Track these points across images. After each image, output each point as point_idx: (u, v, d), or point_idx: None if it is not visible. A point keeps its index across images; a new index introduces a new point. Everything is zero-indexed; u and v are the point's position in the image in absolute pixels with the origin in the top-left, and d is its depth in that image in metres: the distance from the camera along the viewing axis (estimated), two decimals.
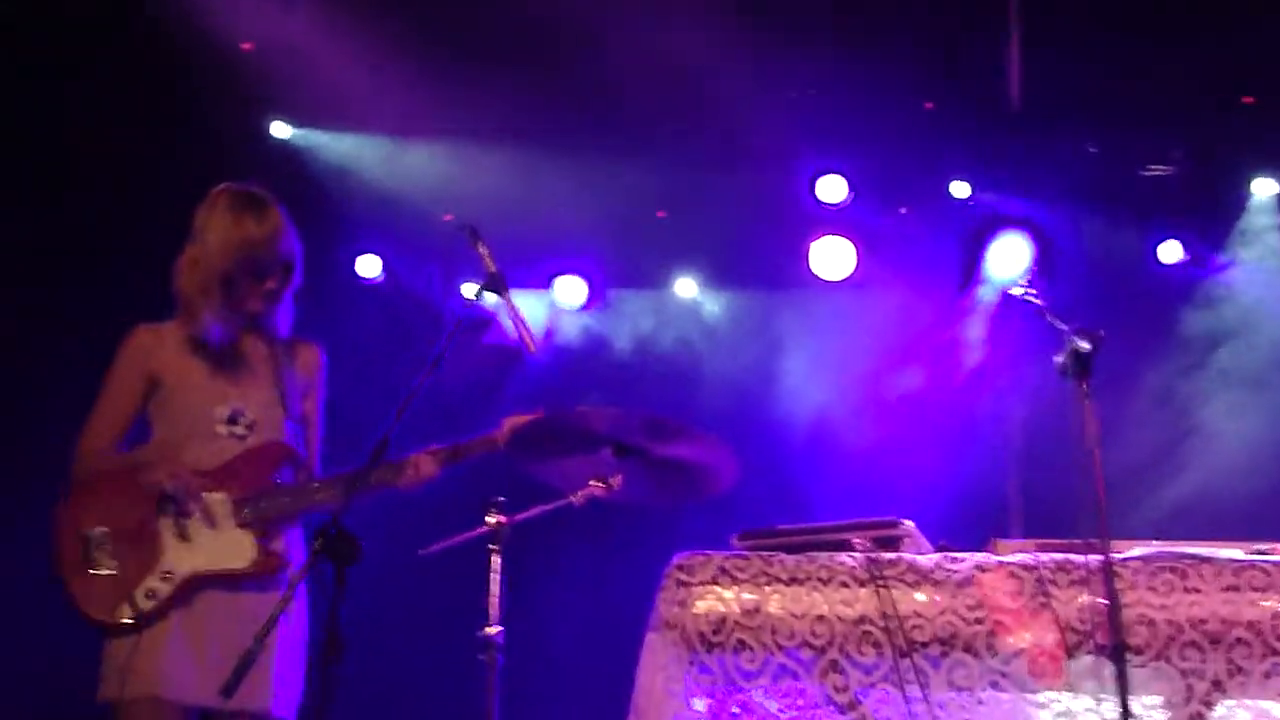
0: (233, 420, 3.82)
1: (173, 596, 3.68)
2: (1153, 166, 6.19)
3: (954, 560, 3.58)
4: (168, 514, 3.73)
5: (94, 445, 3.82)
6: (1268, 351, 6.01)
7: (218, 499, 3.75)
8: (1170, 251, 6.24)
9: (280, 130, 6.45)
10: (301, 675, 3.82)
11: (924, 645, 3.50)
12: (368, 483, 3.66)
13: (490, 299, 3.63)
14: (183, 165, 5.80)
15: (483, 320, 5.96)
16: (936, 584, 3.54)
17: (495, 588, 3.62)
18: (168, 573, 3.68)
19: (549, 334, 6.43)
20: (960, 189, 6.24)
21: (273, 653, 3.70)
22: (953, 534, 3.74)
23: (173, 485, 3.70)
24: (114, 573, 3.67)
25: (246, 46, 6.14)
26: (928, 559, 3.60)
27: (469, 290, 3.58)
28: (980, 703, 3.51)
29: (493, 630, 3.59)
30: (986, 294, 6.13)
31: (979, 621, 3.51)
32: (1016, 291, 3.73)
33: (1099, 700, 3.41)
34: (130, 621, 3.64)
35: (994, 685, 3.51)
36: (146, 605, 3.65)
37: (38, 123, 5.68)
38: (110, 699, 3.68)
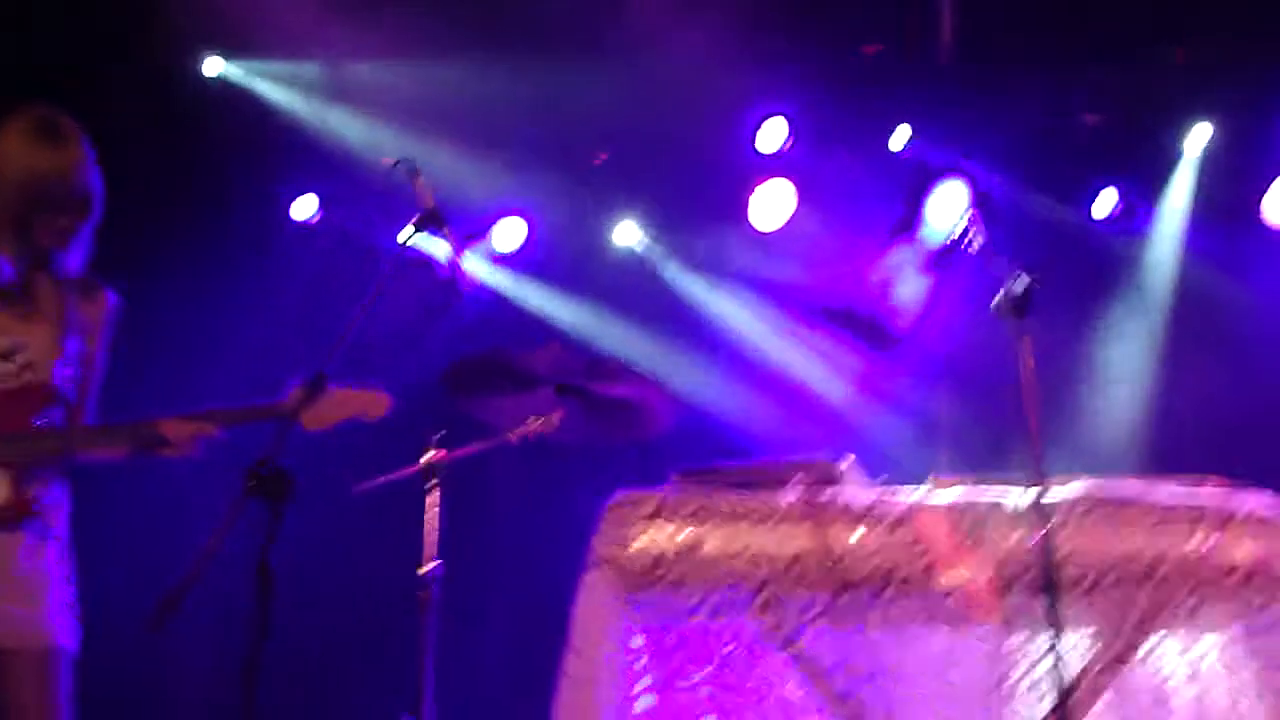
0: (7, 356, 3.63)
1: None
2: (1088, 114, 6.22)
3: (891, 495, 3.60)
4: None
5: None
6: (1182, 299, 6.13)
7: None
8: (1105, 201, 6.29)
9: (213, 67, 6.32)
10: (69, 609, 3.67)
11: (860, 582, 3.52)
12: (139, 438, 3.58)
13: (427, 236, 3.57)
14: (113, 104, 5.70)
15: (419, 259, 5.90)
16: (874, 521, 3.55)
17: (433, 524, 3.60)
18: None
19: (488, 275, 6.39)
20: (900, 136, 6.25)
21: (46, 586, 3.58)
22: (892, 472, 3.77)
23: None
24: None
25: None
26: (865, 496, 3.61)
27: (406, 230, 3.50)
28: (915, 638, 3.54)
29: (430, 566, 3.57)
30: (926, 238, 6.17)
31: (915, 559, 3.53)
32: (955, 234, 3.74)
33: (1032, 637, 3.45)
34: None
35: (930, 621, 3.54)
36: None
37: None
38: None
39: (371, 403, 3.62)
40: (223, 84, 6.32)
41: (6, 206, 3.57)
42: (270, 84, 6.34)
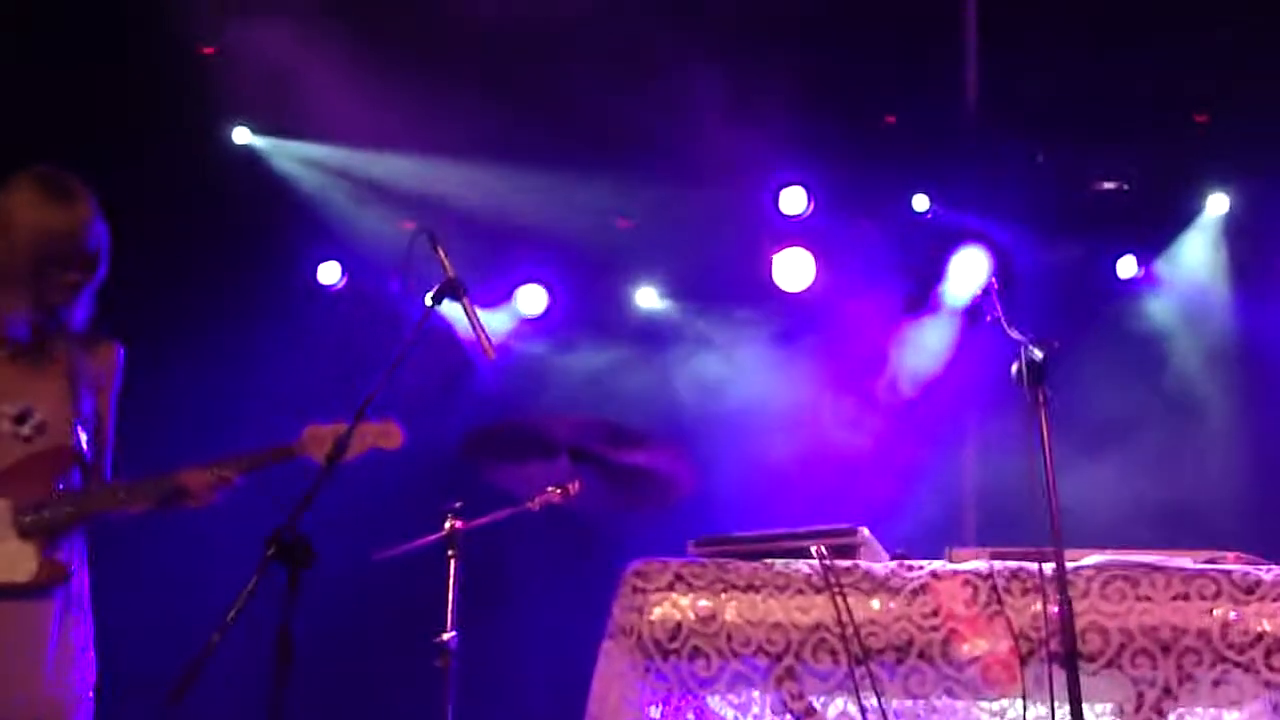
0: (20, 420, 3.61)
1: None
2: (1108, 181, 6.25)
3: (909, 568, 3.59)
4: None
5: None
6: (1202, 361, 6.11)
7: (0, 507, 3.57)
8: (1127, 267, 6.31)
9: (242, 136, 6.41)
10: (90, 685, 3.65)
11: (879, 652, 3.51)
12: (159, 493, 3.59)
13: (449, 304, 3.60)
14: (143, 169, 5.79)
15: (441, 326, 5.94)
16: (892, 591, 3.55)
17: (451, 593, 3.60)
18: None
19: (509, 341, 6.43)
20: (920, 202, 6.29)
21: (45, 666, 3.54)
22: (909, 543, 3.76)
23: None
24: None
25: (208, 51, 6.11)
26: (883, 566, 3.61)
27: (428, 296, 3.53)
28: (935, 710, 3.53)
29: (448, 636, 3.58)
30: (944, 305, 6.18)
31: (934, 629, 3.52)
32: (973, 302, 3.76)
33: (1052, 708, 3.42)
34: None
35: (948, 692, 3.52)
36: None
37: None
38: None
39: (386, 434, 3.63)
40: (250, 152, 6.41)
41: (17, 265, 3.57)
42: (296, 154, 6.43)
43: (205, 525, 5.36)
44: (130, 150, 5.84)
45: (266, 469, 3.68)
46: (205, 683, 3.00)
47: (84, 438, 3.68)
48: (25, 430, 3.60)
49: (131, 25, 5.76)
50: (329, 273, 6.50)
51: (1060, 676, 3.31)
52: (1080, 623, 3.40)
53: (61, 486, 3.64)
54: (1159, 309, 6.29)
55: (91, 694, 3.66)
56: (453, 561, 3.63)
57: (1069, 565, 3.43)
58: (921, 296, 6.21)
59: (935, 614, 3.52)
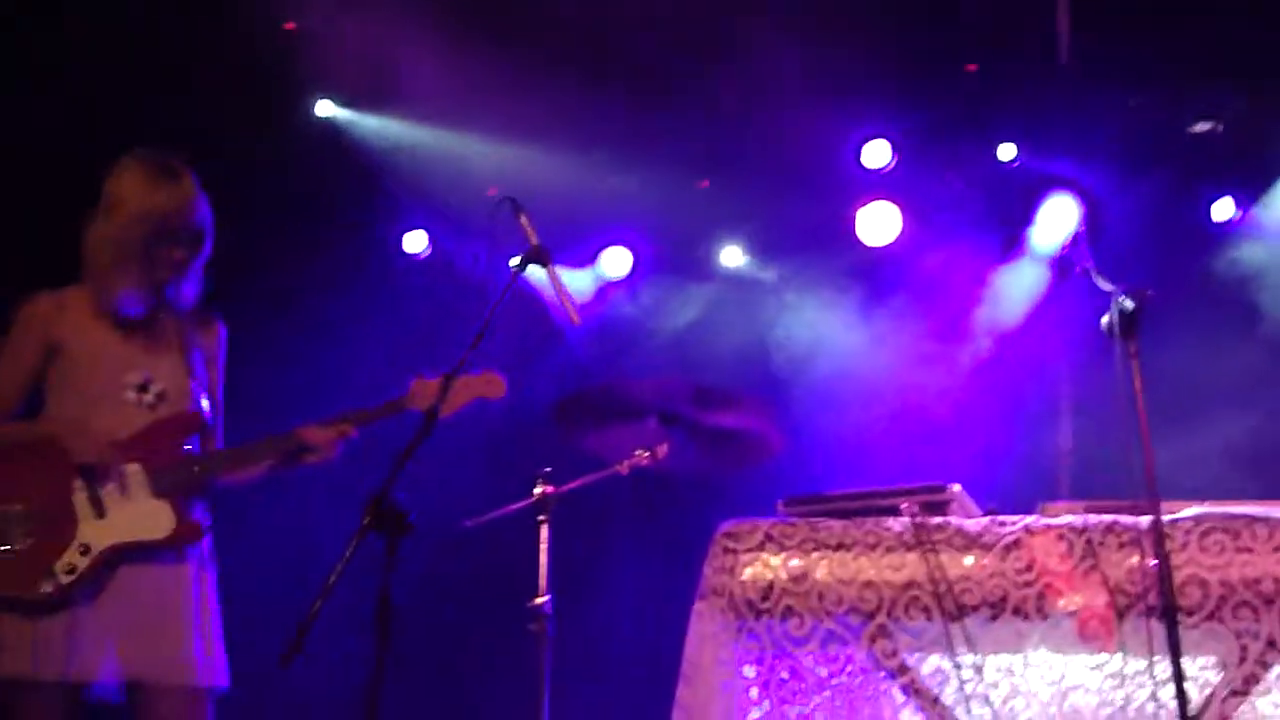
0: (142, 388, 3.77)
1: (90, 570, 3.62)
2: (1203, 122, 6.09)
3: (1002, 524, 3.56)
4: (83, 487, 3.68)
5: None
6: None
7: (133, 469, 3.70)
8: (1223, 209, 6.15)
9: (325, 109, 6.48)
10: (223, 642, 3.79)
11: (973, 609, 3.49)
12: (282, 450, 3.73)
13: (533, 271, 3.62)
14: (230, 146, 5.87)
15: (526, 294, 5.98)
16: (985, 547, 3.53)
17: (544, 558, 3.64)
18: (85, 546, 3.63)
19: (594, 306, 6.45)
20: (1006, 151, 6.18)
21: (189, 623, 3.69)
22: (1001, 498, 3.73)
23: (89, 457, 3.65)
24: (29, 548, 3.61)
25: (289, 26, 6.17)
26: (975, 523, 3.59)
27: (512, 263, 3.56)
28: (1030, 665, 3.51)
29: (542, 600, 3.62)
30: (1033, 255, 6.08)
31: (1028, 584, 3.49)
32: (1063, 252, 3.70)
33: (1151, 662, 3.39)
34: (50, 596, 3.58)
35: (1044, 648, 3.50)
36: (66, 580, 3.59)
37: (80, 103, 5.73)
38: (12, 675, 3.60)
39: (489, 384, 3.74)
40: (334, 126, 6.47)
41: (129, 242, 3.71)
42: (379, 126, 6.48)
43: (305, 492, 5.51)
44: (217, 127, 5.92)
45: (380, 422, 3.80)
46: (309, 647, 3.06)
47: (204, 404, 3.86)
48: (148, 398, 3.76)
49: (216, 4, 5.83)
50: (415, 242, 6.56)
51: (1159, 630, 3.27)
52: (1179, 576, 3.36)
53: (187, 449, 3.80)
54: (1256, 253, 6.12)
55: (223, 657, 3.80)
56: (544, 526, 3.67)
57: (1166, 518, 3.38)
58: (1010, 246, 6.11)
59: (1029, 569, 3.50)
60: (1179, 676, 3.17)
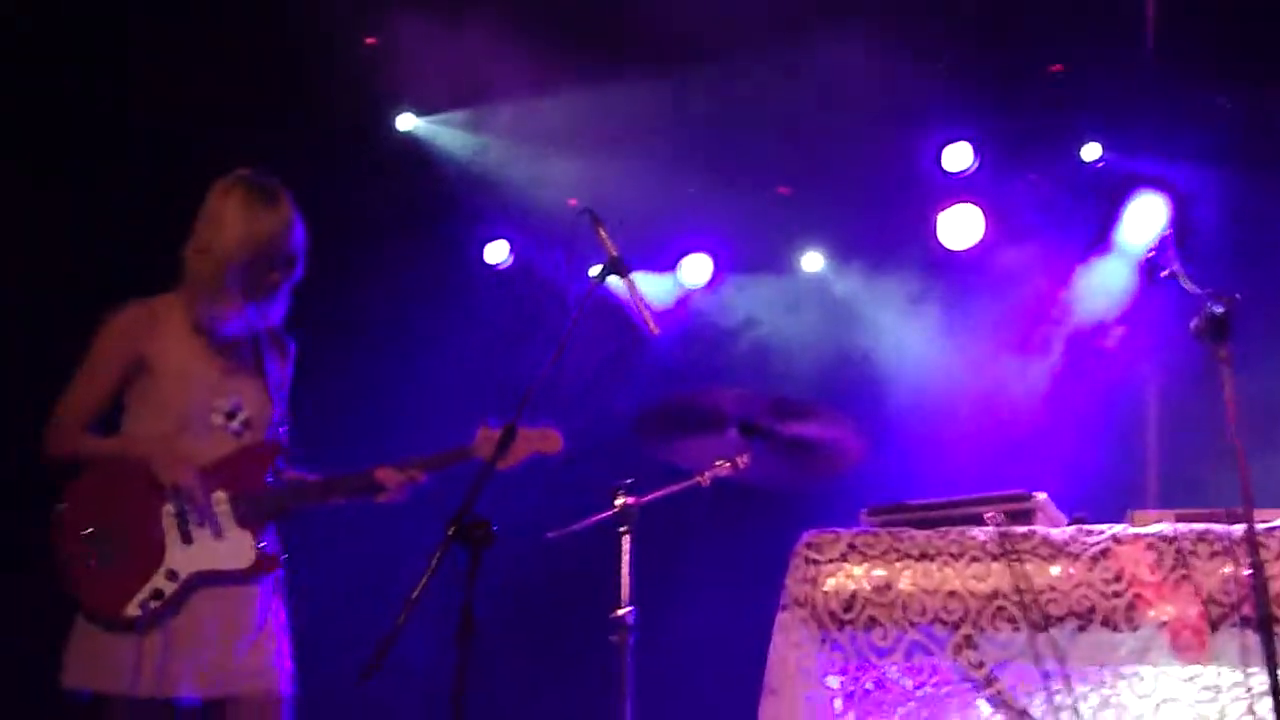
0: (230, 414, 3.81)
1: (175, 595, 3.67)
2: None
3: (1089, 533, 3.51)
4: (172, 512, 3.72)
5: (69, 422, 3.78)
6: None
7: (219, 498, 3.75)
8: None
9: (406, 122, 6.55)
10: (290, 659, 3.84)
11: (1060, 619, 3.44)
12: (357, 488, 3.80)
13: (612, 281, 3.63)
14: (312, 160, 5.95)
15: (607, 304, 5.99)
16: (1072, 557, 3.48)
17: (626, 569, 3.65)
18: (172, 572, 3.68)
19: (674, 314, 6.44)
20: (1091, 151, 6.09)
21: (266, 635, 3.76)
22: (1087, 506, 3.67)
23: (181, 483, 3.69)
24: (117, 568, 3.66)
25: (371, 41, 6.25)
26: (1062, 532, 3.54)
27: (592, 274, 3.58)
28: (1121, 677, 3.45)
29: (624, 611, 3.62)
30: (1120, 258, 5.98)
31: (1117, 595, 3.44)
32: (1149, 254, 3.64)
33: (1246, 674, 3.32)
34: (136, 619, 3.63)
35: (1135, 659, 3.44)
36: (153, 605, 3.64)
37: (165, 121, 5.83)
38: (82, 688, 3.68)
39: (545, 439, 3.78)
40: (414, 138, 6.54)
41: (230, 265, 3.75)
42: (459, 137, 6.53)
43: (388, 509, 5.56)
44: (300, 142, 6.01)
45: (447, 468, 3.86)
46: (392, 659, 3.09)
47: (284, 431, 3.91)
48: (235, 425, 3.82)
49: (297, 20, 5.91)
50: (496, 252, 6.60)
51: (1254, 641, 3.20)
52: (1275, 586, 3.29)
53: (270, 479, 3.85)
54: None
55: (292, 667, 3.86)
56: (625, 538, 3.67)
57: (1260, 526, 3.30)
58: (1094, 249, 6.02)
59: (1118, 579, 3.44)
60: (1276, 689, 3.10)
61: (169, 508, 3.73)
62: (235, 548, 3.75)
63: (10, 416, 4.62)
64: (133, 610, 3.64)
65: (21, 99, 5.75)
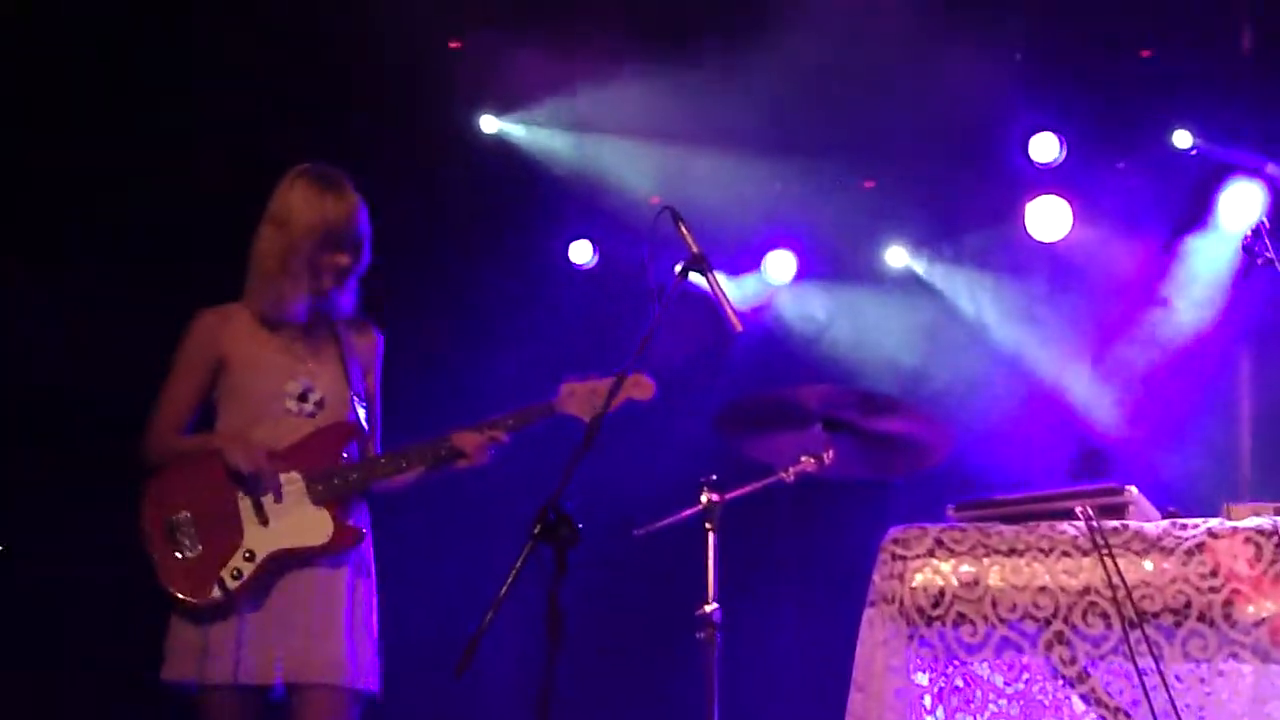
0: (303, 397, 3.90)
1: (255, 576, 3.76)
2: None
3: (1183, 526, 3.44)
4: (246, 495, 3.81)
5: (163, 428, 3.90)
6: None
7: (292, 478, 3.83)
8: None
9: (489, 125, 6.60)
10: (377, 645, 3.90)
11: (1154, 615, 3.38)
12: (434, 456, 3.82)
13: (695, 279, 3.63)
14: (396, 164, 6.03)
15: (689, 300, 5.98)
16: (1165, 551, 3.41)
17: (711, 566, 3.64)
18: (250, 552, 3.77)
19: (759, 310, 6.42)
20: (1182, 139, 5.97)
21: (342, 626, 3.80)
22: (1180, 500, 3.61)
23: (249, 468, 3.79)
24: (199, 555, 3.76)
25: (455, 45, 6.31)
26: (1155, 526, 3.47)
27: (675, 271, 3.59)
28: (1220, 674, 3.37)
29: (710, 608, 3.62)
30: (1212, 247, 5.86)
31: (1214, 590, 3.37)
32: (1245, 241, 3.57)
33: None
34: (218, 601, 3.73)
35: (1234, 656, 3.36)
36: (233, 585, 3.74)
37: (248, 125, 5.93)
38: (182, 680, 3.78)
39: (638, 385, 3.79)
40: (498, 140, 6.58)
41: (297, 251, 3.86)
42: (542, 138, 6.57)
43: (476, 501, 5.62)
44: (386, 145, 6.09)
45: (531, 427, 3.90)
46: (482, 658, 3.11)
47: (361, 413, 3.97)
48: (308, 406, 3.90)
49: (381, 25, 5.98)
50: (580, 252, 6.63)
51: None
52: None
53: (345, 456, 3.92)
54: None
55: (378, 651, 3.92)
56: (711, 534, 3.67)
57: None
58: (1188, 238, 5.90)
59: (1214, 574, 3.37)
60: None
61: (241, 492, 3.82)
62: (311, 525, 3.82)
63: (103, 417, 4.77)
64: (214, 592, 3.74)
65: (103, 101, 5.87)
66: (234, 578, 3.75)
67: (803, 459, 3.73)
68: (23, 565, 5.58)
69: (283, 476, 3.84)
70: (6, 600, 5.50)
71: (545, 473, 3.31)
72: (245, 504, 3.82)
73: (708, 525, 3.68)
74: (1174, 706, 3.33)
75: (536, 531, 3.20)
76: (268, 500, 3.83)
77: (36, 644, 5.60)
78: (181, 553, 3.78)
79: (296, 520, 3.82)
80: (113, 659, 5.21)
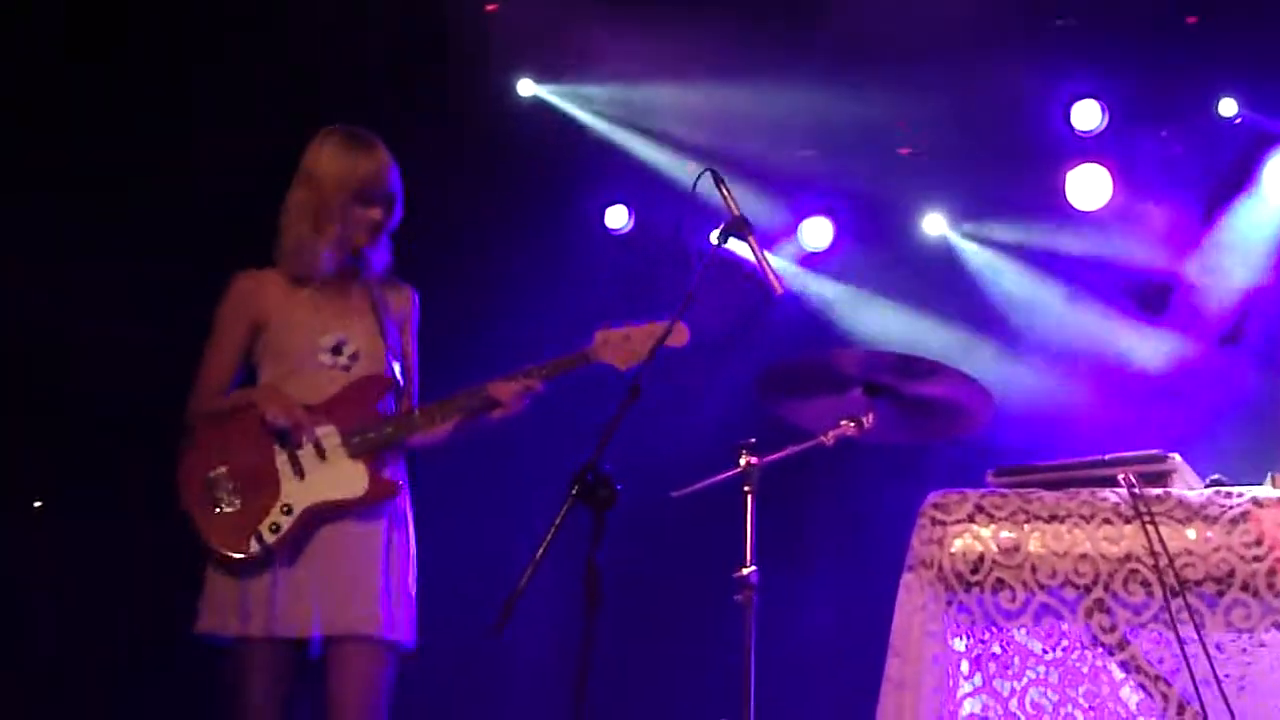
0: (336, 350, 3.92)
1: (293, 529, 3.79)
2: None
3: (1227, 495, 3.41)
4: (282, 449, 3.84)
5: (204, 392, 3.93)
6: None
7: (328, 431, 3.85)
8: None
9: (526, 88, 6.58)
10: (413, 600, 3.92)
11: (1197, 584, 3.35)
12: (469, 407, 3.83)
13: (735, 243, 3.61)
14: (436, 127, 6.02)
15: (728, 264, 5.96)
16: (1209, 520, 3.38)
17: (750, 529, 3.64)
18: (287, 505, 3.80)
19: (796, 275, 6.40)
20: (1228, 107, 5.89)
21: (378, 579, 3.82)
22: (1224, 468, 3.57)
23: (283, 420, 3.81)
24: (237, 509, 3.80)
25: (491, 8, 6.28)
26: (1198, 494, 3.44)
27: (714, 235, 3.57)
28: (1262, 644, 3.34)
29: (748, 571, 3.61)
30: (1258, 216, 5.79)
31: (1258, 559, 3.33)
32: None
33: None
34: (257, 555, 3.76)
35: (1276, 626, 3.33)
36: (271, 539, 3.77)
37: (288, 90, 5.93)
38: (218, 633, 3.81)
39: (675, 332, 3.73)
40: (536, 103, 6.56)
41: (327, 205, 3.90)
42: (579, 103, 6.54)
43: (513, 463, 5.63)
44: (423, 108, 6.08)
45: (566, 375, 3.91)
46: (518, 618, 3.12)
47: (396, 367, 3.99)
48: (342, 360, 3.93)
49: None
50: (616, 217, 6.61)
51: None
52: None
53: (381, 410, 3.94)
54: None
55: (414, 605, 3.93)
56: (749, 497, 3.66)
57: None
58: (1232, 206, 5.83)
59: (1259, 543, 3.33)
60: None
61: (278, 446, 3.85)
62: (348, 478, 3.85)
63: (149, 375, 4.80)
64: (253, 546, 3.77)
65: (136, 74, 5.88)
66: (272, 531, 3.79)
67: (842, 423, 3.71)
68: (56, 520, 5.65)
69: (319, 430, 3.86)
70: (42, 553, 5.57)
71: (584, 430, 3.31)
72: (282, 458, 3.85)
73: (746, 488, 3.68)
74: (1215, 675, 3.30)
75: (575, 492, 3.20)
76: (304, 454, 3.86)
77: (73, 598, 5.67)
78: (220, 508, 3.81)
79: (333, 473, 3.85)
80: (149, 611, 5.27)
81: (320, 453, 3.86)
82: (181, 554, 3.89)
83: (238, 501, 3.82)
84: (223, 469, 3.84)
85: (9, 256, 5.64)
